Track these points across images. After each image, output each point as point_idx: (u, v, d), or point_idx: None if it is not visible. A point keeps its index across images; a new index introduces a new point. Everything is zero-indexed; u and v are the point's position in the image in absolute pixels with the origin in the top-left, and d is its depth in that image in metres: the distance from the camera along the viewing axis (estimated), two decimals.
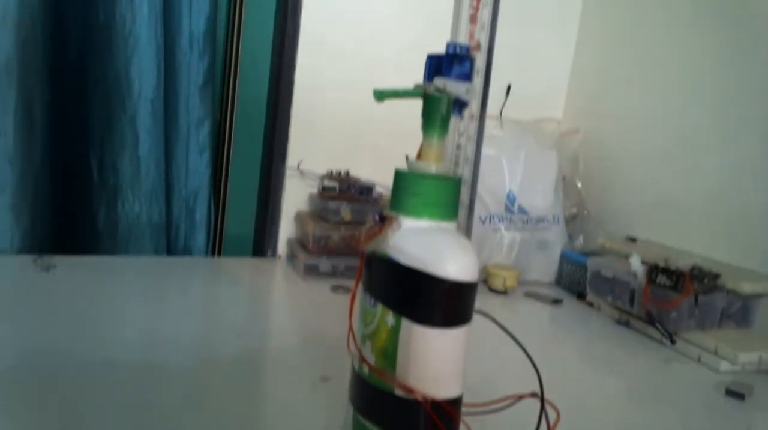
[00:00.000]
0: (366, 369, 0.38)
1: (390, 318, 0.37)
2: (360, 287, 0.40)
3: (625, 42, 1.05)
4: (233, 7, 0.98)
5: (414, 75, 0.42)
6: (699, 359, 0.70)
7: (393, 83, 0.39)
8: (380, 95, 0.38)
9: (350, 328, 0.40)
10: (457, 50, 0.39)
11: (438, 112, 0.38)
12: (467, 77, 0.39)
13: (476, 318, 0.38)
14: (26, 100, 0.79)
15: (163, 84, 0.88)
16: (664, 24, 0.97)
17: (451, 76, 0.39)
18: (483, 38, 0.40)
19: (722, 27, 0.87)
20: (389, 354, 0.37)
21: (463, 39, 0.42)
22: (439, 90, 0.38)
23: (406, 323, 0.36)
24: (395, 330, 0.36)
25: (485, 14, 0.39)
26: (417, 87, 0.39)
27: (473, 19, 0.41)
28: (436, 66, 0.40)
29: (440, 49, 0.40)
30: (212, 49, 0.93)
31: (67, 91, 0.88)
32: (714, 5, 0.88)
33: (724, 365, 0.68)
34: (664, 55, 0.96)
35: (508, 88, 1.08)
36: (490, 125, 1.03)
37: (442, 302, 0.36)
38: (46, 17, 0.81)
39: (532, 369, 0.39)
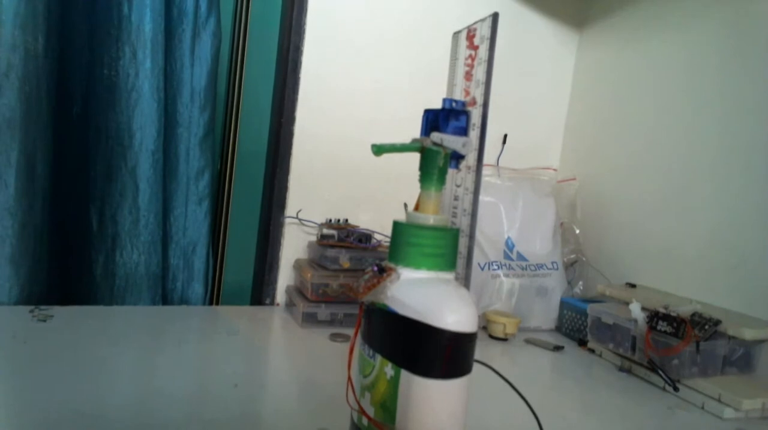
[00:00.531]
0: (365, 421, 0.38)
1: (389, 370, 0.37)
2: (359, 337, 0.40)
3: (619, 89, 1.07)
4: (234, 62, 1.00)
5: (410, 132, 0.43)
6: (703, 407, 0.70)
7: (389, 138, 0.39)
8: (379, 149, 0.39)
9: (349, 379, 0.40)
10: (453, 105, 0.40)
11: (435, 165, 0.39)
12: (463, 131, 0.40)
13: (477, 366, 0.38)
14: (29, 153, 0.80)
15: (164, 136, 0.90)
16: (657, 71, 0.99)
17: (447, 131, 0.39)
18: (478, 94, 0.41)
19: (717, 72, 0.89)
20: (388, 406, 0.36)
21: (458, 96, 0.43)
22: (436, 144, 0.39)
23: (405, 375, 0.36)
24: (394, 382, 0.36)
25: (479, 72, 0.40)
26: (414, 141, 0.40)
27: (468, 76, 0.42)
28: (433, 121, 0.41)
29: (437, 105, 0.41)
30: (213, 102, 0.94)
31: (69, 143, 0.89)
32: (706, 53, 0.90)
33: (728, 413, 0.67)
34: (659, 102, 0.98)
35: (505, 137, 1.10)
36: (487, 174, 1.05)
37: (442, 354, 0.35)
38: (50, 72, 0.83)
39: (534, 418, 0.39)
